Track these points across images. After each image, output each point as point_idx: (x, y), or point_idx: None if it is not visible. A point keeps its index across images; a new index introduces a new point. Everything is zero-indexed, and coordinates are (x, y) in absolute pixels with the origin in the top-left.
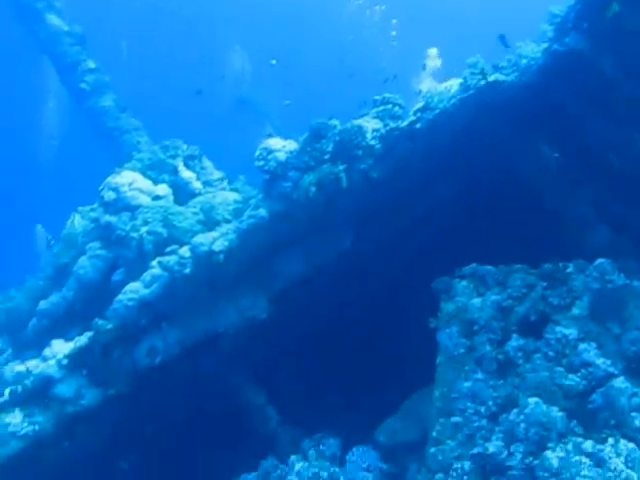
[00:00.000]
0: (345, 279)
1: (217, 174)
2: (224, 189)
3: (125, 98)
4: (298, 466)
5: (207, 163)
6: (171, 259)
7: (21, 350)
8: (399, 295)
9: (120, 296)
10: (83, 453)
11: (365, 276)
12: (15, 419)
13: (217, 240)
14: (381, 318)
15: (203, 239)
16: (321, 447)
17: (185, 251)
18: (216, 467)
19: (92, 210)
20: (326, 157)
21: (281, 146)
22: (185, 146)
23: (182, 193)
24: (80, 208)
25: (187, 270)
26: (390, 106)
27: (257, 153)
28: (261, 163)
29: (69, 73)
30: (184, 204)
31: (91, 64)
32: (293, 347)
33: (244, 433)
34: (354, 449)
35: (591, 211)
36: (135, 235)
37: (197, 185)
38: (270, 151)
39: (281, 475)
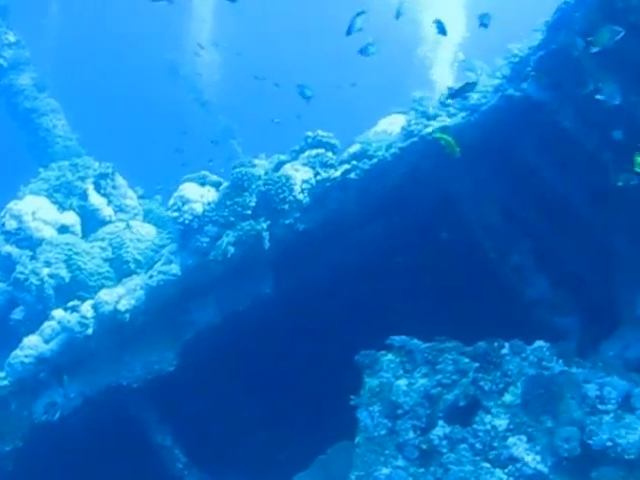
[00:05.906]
0: (261, 329)
1: (130, 195)
2: (137, 214)
3: (50, 74)
4: None
5: (121, 181)
6: (72, 318)
7: None
8: (321, 347)
9: (17, 351)
10: None
11: (283, 327)
12: None
13: (123, 298)
14: (298, 369)
15: (108, 297)
16: None
17: (87, 309)
18: None
19: None
20: (248, 212)
21: (199, 196)
22: (97, 164)
23: (92, 219)
24: None
25: (89, 331)
26: (322, 151)
27: (171, 202)
28: (175, 214)
29: None
30: (93, 231)
31: (11, 37)
32: (203, 394)
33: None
34: None
35: (531, 262)
36: (35, 281)
37: (108, 212)
38: (185, 201)
39: None
